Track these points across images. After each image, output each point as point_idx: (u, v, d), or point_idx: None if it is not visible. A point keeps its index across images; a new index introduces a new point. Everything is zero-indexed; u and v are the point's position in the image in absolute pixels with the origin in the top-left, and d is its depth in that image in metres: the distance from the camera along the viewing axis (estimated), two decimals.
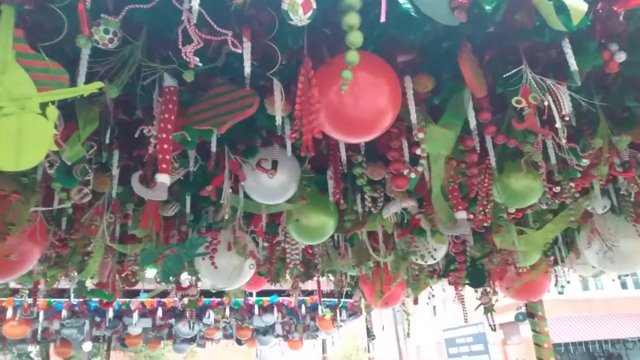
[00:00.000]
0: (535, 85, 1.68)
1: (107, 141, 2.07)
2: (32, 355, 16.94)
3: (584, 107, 1.90)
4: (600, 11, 1.64)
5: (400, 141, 2.11)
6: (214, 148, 2.14)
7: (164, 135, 1.72)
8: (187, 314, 6.96)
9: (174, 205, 2.81)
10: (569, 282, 4.54)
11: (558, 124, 1.64)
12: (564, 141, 1.71)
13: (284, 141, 2.21)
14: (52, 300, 6.58)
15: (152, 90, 1.91)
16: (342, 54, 1.46)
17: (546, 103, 1.61)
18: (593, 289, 26.22)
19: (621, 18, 1.60)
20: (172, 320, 7.91)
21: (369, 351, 10.49)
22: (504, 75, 1.71)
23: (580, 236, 3.35)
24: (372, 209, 2.89)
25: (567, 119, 1.64)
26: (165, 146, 1.72)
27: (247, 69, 1.58)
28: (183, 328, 7.99)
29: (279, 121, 1.80)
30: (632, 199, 2.71)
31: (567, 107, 1.64)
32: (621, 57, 1.68)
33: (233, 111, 1.85)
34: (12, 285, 4.29)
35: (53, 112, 1.44)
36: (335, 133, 1.75)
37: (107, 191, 2.46)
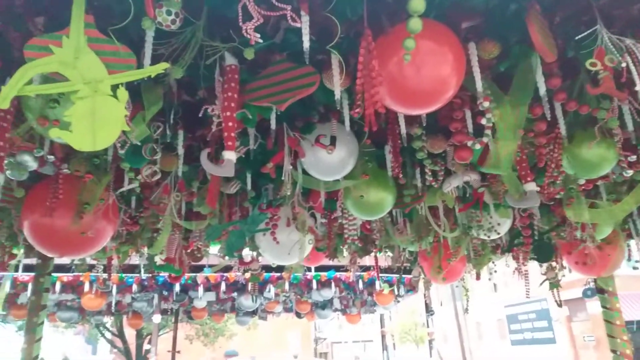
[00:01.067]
0: (612, 47, 1.56)
1: (172, 121, 2.14)
2: (107, 325, 18.17)
3: None
4: None
5: (464, 111, 2.04)
6: (273, 125, 2.16)
7: (228, 114, 1.76)
8: (249, 288, 7.20)
9: (235, 182, 2.88)
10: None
11: (638, 87, 1.52)
12: None
13: (342, 116, 2.19)
14: (124, 275, 6.99)
15: (213, 70, 1.94)
16: (402, 22, 1.42)
17: (624, 64, 1.49)
18: None
19: None
20: (235, 294, 8.21)
21: (427, 326, 10.46)
22: (577, 38, 1.60)
23: None
24: (433, 183, 2.84)
25: None
26: (230, 124, 1.76)
27: (306, 43, 1.57)
28: (245, 301, 8.28)
29: (337, 95, 1.78)
30: None
31: None
32: None
33: (293, 89, 1.86)
34: (89, 261, 4.58)
35: (123, 93, 1.50)
36: (396, 105, 1.71)
37: (173, 170, 2.56)
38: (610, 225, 3.32)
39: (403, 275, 8.25)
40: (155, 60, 1.69)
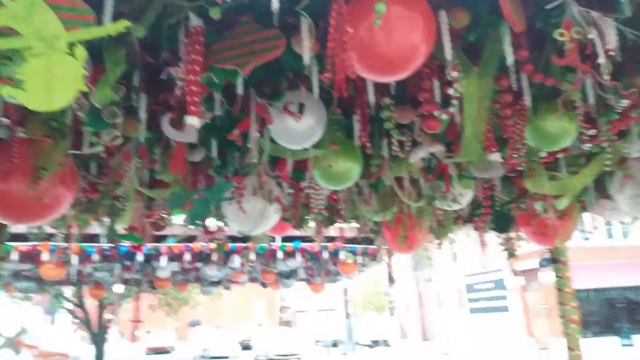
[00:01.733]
0: (579, 18, 1.58)
1: (135, 84, 2.06)
2: (67, 296, 17.86)
3: (630, 42, 1.79)
4: None
5: (432, 81, 2.04)
6: (240, 91, 2.11)
7: (191, 77, 1.70)
8: (214, 258, 7.18)
9: (200, 150, 2.82)
10: (596, 228, 4.50)
11: (601, 59, 1.55)
12: (607, 77, 1.62)
13: (311, 84, 2.16)
14: (84, 244, 6.84)
15: (177, 31, 1.87)
16: None
17: (591, 36, 1.52)
18: (618, 237, 26.08)
19: None
20: (200, 264, 8.18)
21: (389, 295, 10.77)
22: (546, 7, 1.61)
23: (613, 180, 3.27)
24: (399, 154, 2.85)
25: (612, 53, 1.55)
26: (194, 88, 1.70)
27: (275, 4, 1.52)
28: (210, 271, 8.27)
29: (307, 61, 1.74)
30: None
31: (612, 42, 1.54)
32: None
33: (258, 51, 1.81)
34: (47, 229, 4.44)
35: (81, 51, 1.42)
36: (365, 72, 1.70)
37: (135, 136, 2.48)
38: (569, 197, 3.44)
39: (367, 246, 8.41)
40: (116, 19, 1.60)
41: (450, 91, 1.84)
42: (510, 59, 1.86)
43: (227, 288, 10.47)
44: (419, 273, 23.35)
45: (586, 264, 22.14)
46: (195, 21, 1.78)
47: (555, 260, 5.12)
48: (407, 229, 4.16)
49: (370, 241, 8.13)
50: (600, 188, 3.74)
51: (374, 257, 9.04)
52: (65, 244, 6.06)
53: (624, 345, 24.50)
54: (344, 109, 2.64)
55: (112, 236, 4.19)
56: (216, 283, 9.94)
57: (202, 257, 7.83)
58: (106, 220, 3.92)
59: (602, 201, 3.83)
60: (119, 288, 8.66)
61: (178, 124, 2.07)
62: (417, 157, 2.98)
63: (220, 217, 3.68)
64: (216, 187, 2.93)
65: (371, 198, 3.95)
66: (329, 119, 2.51)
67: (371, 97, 2.25)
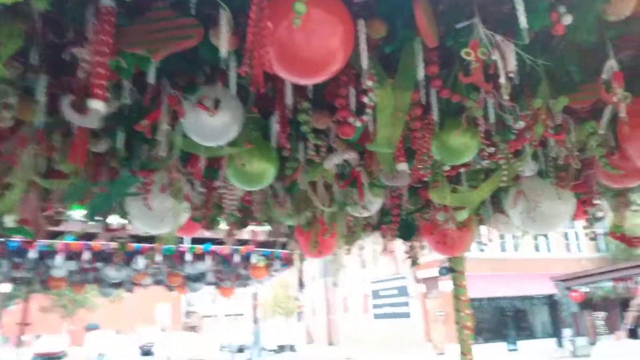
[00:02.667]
0: (485, 40, 1.69)
1: (33, 63, 1.89)
2: None
3: (527, 68, 1.95)
4: None
5: (348, 89, 2.09)
6: (151, 80, 2.01)
7: (99, 59, 1.59)
8: (115, 258, 6.78)
9: (104, 140, 2.65)
10: (491, 240, 4.84)
11: (502, 79, 1.67)
12: (506, 97, 1.75)
13: (227, 80, 2.12)
14: None
15: (84, 10, 1.75)
16: None
17: (494, 57, 1.63)
18: (510, 250, 28.35)
19: None
20: (100, 264, 7.69)
21: (298, 300, 10.82)
22: (457, 26, 1.71)
23: (507, 196, 3.54)
24: (315, 158, 2.88)
25: (511, 75, 1.67)
26: (101, 70, 1.60)
27: None
28: (110, 272, 7.80)
29: (224, 55, 1.70)
30: (559, 163, 2.87)
31: (512, 65, 1.67)
32: (567, 19, 1.72)
33: (171, 39, 1.74)
34: None
35: None
36: (283, 72, 1.69)
37: (31, 120, 2.27)
38: (469, 209, 3.67)
39: (279, 250, 8.39)
40: None
41: (365, 99, 1.89)
42: (420, 74, 1.95)
43: (129, 290, 9.94)
44: (327, 278, 23.73)
45: (481, 274, 23.79)
46: (106, 1, 1.67)
47: (453, 269, 5.43)
48: (319, 234, 4.22)
49: (282, 245, 8.13)
50: (496, 203, 4.03)
51: (286, 261, 9.04)
52: None
53: (510, 350, 26.61)
54: (260, 109, 2.61)
55: (1, 230, 3.81)
56: (117, 284, 9.40)
57: (103, 256, 7.36)
58: None
59: (497, 215, 4.13)
60: (5, 287, 7.87)
61: (80, 107, 1.93)
62: (331, 162, 3.02)
63: (123, 214, 3.47)
64: (120, 181, 2.77)
65: (285, 201, 3.95)
66: (245, 117, 2.47)
67: (289, 98, 2.25)
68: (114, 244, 5.97)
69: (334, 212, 3.91)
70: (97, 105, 1.60)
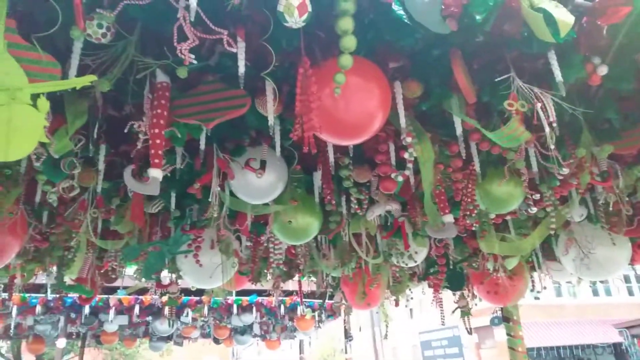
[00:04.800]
0: (523, 93, 1.73)
1: (95, 135, 2.06)
2: (2, 351, 16.55)
3: (566, 118, 1.96)
4: (585, 24, 1.70)
5: (388, 145, 2.15)
6: (202, 145, 2.14)
7: (156, 131, 1.73)
8: (166, 312, 6.90)
9: (158, 201, 2.80)
10: (545, 287, 4.65)
11: (547, 130, 1.69)
12: (552, 146, 1.76)
13: (273, 142, 2.22)
14: (27, 295, 6.45)
15: (142, 86, 1.91)
16: (334, 57, 1.49)
17: (538, 106, 1.66)
18: (566, 296, 26.84)
19: (604, 32, 1.66)
20: (150, 318, 7.83)
21: (346, 352, 10.54)
22: (495, 80, 1.76)
23: (558, 243, 3.44)
24: (357, 211, 2.93)
25: (554, 125, 1.69)
26: (158, 141, 1.73)
27: (241, 69, 1.59)
28: (161, 326, 7.92)
29: (271, 121, 1.81)
30: (609, 208, 2.79)
31: (553, 115, 1.69)
32: (603, 70, 1.74)
33: (223, 109, 1.86)
34: None
35: (44, 103, 1.43)
36: (325, 135, 1.77)
37: (91, 185, 2.44)
38: (517, 257, 3.58)
39: (325, 301, 8.30)
40: (81, 72, 1.63)
41: (405, 155, 1.94)
42: (459, 129, 1.99)
43: (178, 344, 10.02)
44: (375, 329, 23.06)
45: (535, 321, 22.51)
46: (162, 77, 1.82)
47: (506, 319, 5.22)
48: (365, 285, 4.19)
49: (328, 296, 8.06)
50: (547, 250, 3.91)
51: (331, 312, 8.92)
52: (4, 294, 5.70)
53: None
54: (305, 166, 2.71)
55: (60, 287, 4.01)
56: (166, 338, 9.49)
57: (153, 310, 7.51)
58: (54, 270, 3.76)
59: (548, 262, 4.00)
60: (61, 342, 8.09)
61: (139, 176, 2.07)
62: (374, 214, 3.05)
63: (174, 270, 3.59)
64: (173, 240, 2.88)
65: (330, 253, 3.97)
66: (289, 175, 2.57)
67: (331, 157, 2.33)
68: (163, 298, 6.10)
69: (379, 263, 3.90)
70: (156, 174, 1.72)
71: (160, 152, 1.74)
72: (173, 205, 2.75)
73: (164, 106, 1.80)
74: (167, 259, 2.95)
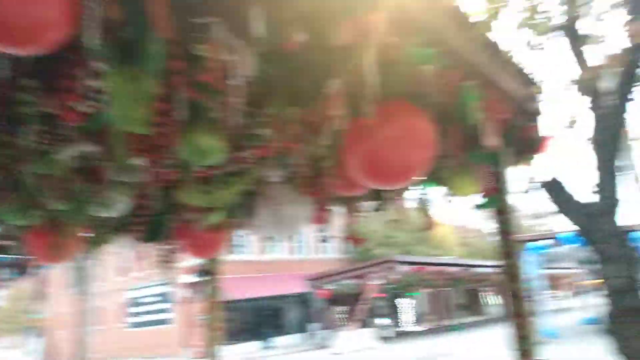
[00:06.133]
0: (222, 40, 1.71)
1: None
2: None
3: (266, 78, 2.04)
4: None
5: (79, 71, 1.86)
6: None
7: None
8: None
9: None
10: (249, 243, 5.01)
11: (235, 82, 1.71)
12: (240, 100, 1.79)
13: None
14: None
15: None
16: None
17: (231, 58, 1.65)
18: (267, 253, 30.28)
19: None
20: None
21: (38, 313, 9.43)
22: (193, 20, 1.68)
23: (257, 201, 3.69)
24: (48, 148, 2.51)
25: (247, 79, 1.72)
26: None
27: None
28: None
29: None
30: (299, 171, 3.11)
31: (249, 70, 1.72)
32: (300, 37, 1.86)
33: None
34: None
35: None
36: None
37: None
38: (220, 213, 3.69)
39: (9, 256, 7.12)
40: None
41: (94, 84, 1.70)
42: (161, 65, 1.85)
43: None
44: (76, 288, 21.24)
45: (238, 276, 24.69)
46: None
47: (208, 272, 5.45)
48: (57, 236, 3.71)
49: (13, 250, 6.93)
50: (249, 208, 4.18)
51: (18, 269, 7.73)
52: None
53: (264, 348, 28.21)
54: None
55: None
56: None
57: None
58: None
59: (250, 219, 4.29)
60: None
61: None
62: (66, 154, 2.67)
63: None
64: None
65: (8, 196, 3.35)
66: None
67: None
68: None
69: (74, 211, 3.49)
70: None
71: None
72: None
73: None
74: None
